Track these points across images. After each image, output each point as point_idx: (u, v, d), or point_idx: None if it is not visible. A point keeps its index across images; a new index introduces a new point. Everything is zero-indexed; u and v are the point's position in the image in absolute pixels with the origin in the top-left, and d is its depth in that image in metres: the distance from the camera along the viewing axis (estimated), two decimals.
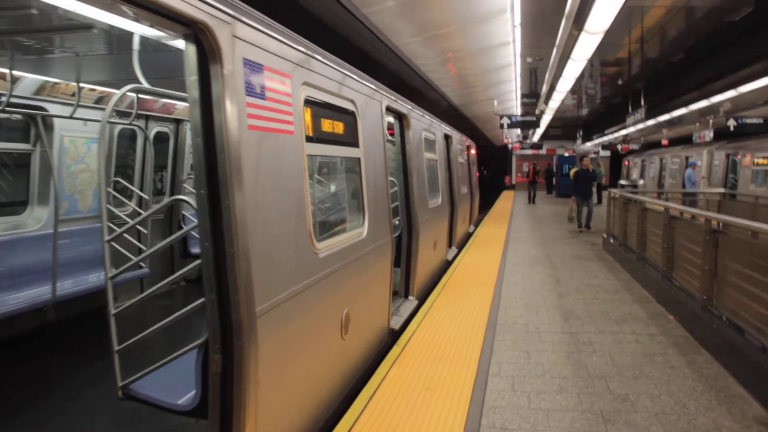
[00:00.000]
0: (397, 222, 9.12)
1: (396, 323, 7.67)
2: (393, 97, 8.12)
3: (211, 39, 3.40)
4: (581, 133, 38.62)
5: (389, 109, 7.94)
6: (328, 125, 5.31)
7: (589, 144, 39.80)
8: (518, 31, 10.35)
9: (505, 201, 34.32)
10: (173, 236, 4.68)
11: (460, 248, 15.12)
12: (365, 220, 6.23)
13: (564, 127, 39.84)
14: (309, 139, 4.73)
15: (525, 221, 22.09)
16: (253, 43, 3.83)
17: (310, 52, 4.84)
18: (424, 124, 10.52)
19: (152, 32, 4.58)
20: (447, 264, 12.73)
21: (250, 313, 3.57)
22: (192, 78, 3.49)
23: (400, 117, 8.95)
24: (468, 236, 17.79)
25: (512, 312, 8.36)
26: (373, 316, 6.63)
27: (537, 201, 33.12)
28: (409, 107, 9.25)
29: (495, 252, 14.09)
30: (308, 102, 4.78)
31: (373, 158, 6.63)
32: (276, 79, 4.14)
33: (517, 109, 23.20)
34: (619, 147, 39.95)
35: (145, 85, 6.22)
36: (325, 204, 7.92)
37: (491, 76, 15.39)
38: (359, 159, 6.19)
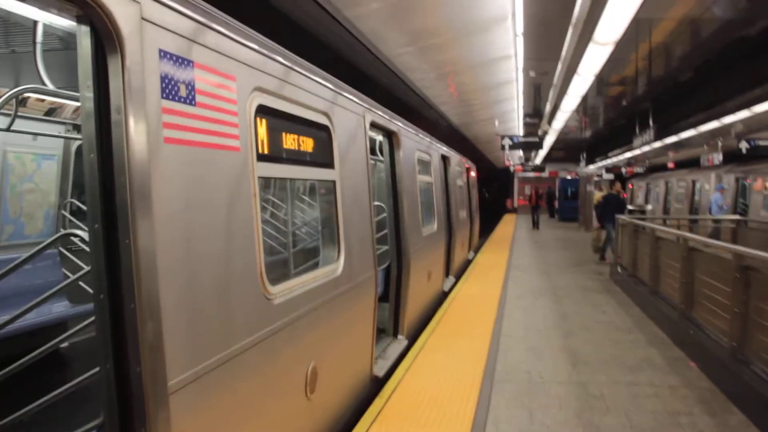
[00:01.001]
0: (384, 250, 8.26)
1: (381, 369, 6.74)
2: (380, 113, 7.23)
3: (106, 20, 2.51)
4: (584, 155, 37.83)
5: (375, 126, 7.06)
6: (291, 141, 4.42)
7: (592, 167, 39.04)
8: (520, 41, 9.50)
9: (507, 225, 33.42)
10: (52, 290, 3.75)
11: (458, 277, 14.20)
12: (340, 253, 5.33)
13: (567, 149, 38.99)
14: (262, 158, 3.85)
15: (527, 247, 21.16)
16: (175, 31, 2.94)
17: (265, 51, 3.95)
18: (417, 144, 9.63)
19: (46, 17, 3.71)
20: (443, 296, 11.80)
21: (158, 388, 2.66)
22: (84, 73, 2.62)
23: (390, 135, 8.06)
24: (467, 263, 16.86)
25: (513, 355, 7.41)
26: (351, 366, 5.71)
27: (540, 225, 32.16)
28: (400, 124, 8.37)
29: (495, 282, 13.15)
30: (262, 112, 3.89)
31: (352, 181, 5.74)
32: (212, 81, 3.26)
33: (519, 130, 22.42)
34: (623, 170, 39.20)
35: (49, 86, 5.35)
36: (287, 237, 7.03)
37: (492, 93, 14.63)
38: (334, 182, 5.29)
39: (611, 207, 16.71)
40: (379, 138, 8.44)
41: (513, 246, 21.27)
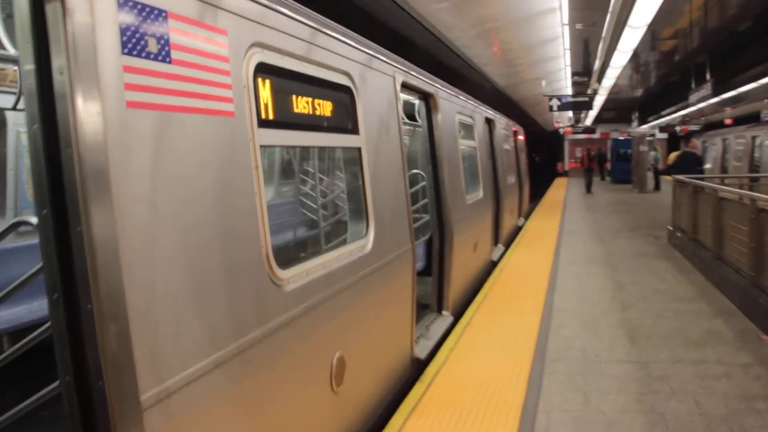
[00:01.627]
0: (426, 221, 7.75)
1: (423, 350, 6.27)
2: (413, 72, 6.66)
3: None
4: (636, 114, 36.57)
5: (408, 87, 6.50)
6: (303, 105, 3.91)
7: (645, 126, 37.82)
8: None
9: (558, 189, 32.50)
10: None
11: (508, 245, 13.61)
12: (369, 228, 4.83)
13: (617, 110, 37.79)
14: (265, 124, 3.36)
15: (579, 211, 20.37)
16: None
17: (264, 1, 3.44)
18: (458, 106, 9.03)
19: None
20: (492, 265, 11.25)
21: (127, 405, 2.21)
22: (22, 26, 2.16)
23: (426, 97, 7.49)
24: (517, 230, 16.23)
25: (566, 331, 6.86)
26: (386, 350, 5.25)
27: (592, 188, 31.13)
28: (437, 86, 7.78)
29: (546, 249, 12.52)
30: (265, 71, 3.40)
31: (381, 148, 5.24)
32: (194, 35, 2.77)
33: (567, 89, 21.52)
34: (677, 129, 37.89)
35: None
36: (308, 213, 6.54)
37: (537, 52, 13.89)
38: (359, 149, 4.79)
39: (688, 165, 15.70)
40: (417, 102, 7.88)
41: (564, 211, 20.50)
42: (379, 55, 5.44)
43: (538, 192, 30.48)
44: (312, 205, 8.59)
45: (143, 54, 2.45)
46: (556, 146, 49.18)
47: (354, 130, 4.71)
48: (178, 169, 2.60)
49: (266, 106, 3.41)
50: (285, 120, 3.66)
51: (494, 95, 20.16)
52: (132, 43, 2.39)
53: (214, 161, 2.85)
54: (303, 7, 3.99)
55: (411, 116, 8.85)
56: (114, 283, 2.19)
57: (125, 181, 2.29)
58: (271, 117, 3.46)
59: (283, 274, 3.38)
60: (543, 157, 48.98)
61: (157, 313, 2.41)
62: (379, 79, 5.38)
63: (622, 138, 38.87)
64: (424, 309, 7.66)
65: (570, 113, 34.84)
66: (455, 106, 8.81)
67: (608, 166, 39.06)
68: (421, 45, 10.54)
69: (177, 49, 2.65)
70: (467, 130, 9.93)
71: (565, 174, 46.59)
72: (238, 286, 2.96)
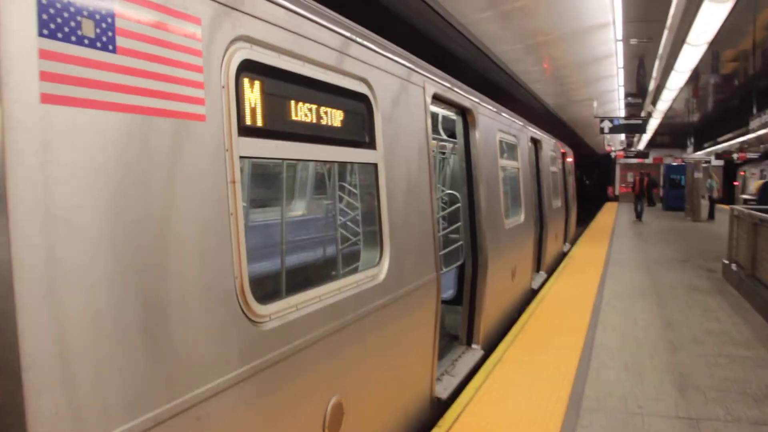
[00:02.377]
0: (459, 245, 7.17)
1: (445, 389, 5.70)
2: (447, 84, 6.10)
3: None
4: (692, 140, 35.49)
5: (441, 99, 5.95)
6: (305, 113, 3.38)
7: (700, 153, 36.73)
8: (618, 3, 8.13)
9: (607, 214, 31.51)
10: None
11: (551, 272, 12.92)
12: (384, 254, 4.28)
13: (672, 134, 36.84)
14: (249, 132, 2.84)
15: (628, 239, 19.48)
16: None
17: None
18: (500, 124, 8.44)
19: None
20: (532, 294, 10.59)
21: None
22: None
23: (464, 112, 6.93)
24: (562, 256, 15.50)
25: (606, 374, 6.19)
26: (400, 392, 4.68)
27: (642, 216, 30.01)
28: (476, 100, 7.20)
29: (591, 279, 11.79)
30: (251, 71, 2.88)
31: (403, 165, 4.69)
32: (153, 21, 2.28)
33: (620, 111, 20.76)
34: (735, 156, 36.68)
35: None
36: (300, 234, 5.98)
37: (589, 70, 13.26)
38: (375, 166, 4.24)
39: None
40: (452, 116, 7.32)
41: (613, 237, 19.65)
42: (405, 62, 4.90)
43: (586, 216, 29.59)
44: (316, 226, 8.01)
45: (72, 38, 1.96)
46: (607, 170, 48.26)
47: (370, 144, 4.18)
48: (113, 179, 2.09)
49: (252, 111, 2.89)
50: (277, 129, 3.13)
51: (543, 115, 19.52)
52: (56, 23, 1.91)
53: (170, 173, 2.33)
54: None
55: (452, 135, 8.28)
56: (5, 329, 1.69)
57: (31, 194, 1.79)
58: (258, 124, 2.94)
59: (263, 309, 2.85)
60: (593, 181, 48.03)
61: (66, 362, 1.90)
62: (404, 88, 4.84)
63: (675, 164, 37.87)
64: (453, 340, 7.10)
65: (622, 136, 33.92)
66: (497, 124, 8.22)
67: (658, 192, 37.97)
68: (463, 57, 10.00)
69: (125, 36, 2.15)
70: (510, 149, 9.33)
71: (615, 199, 45.62)
72: (194, 325, 2.43)
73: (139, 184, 2.19)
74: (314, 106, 3.45)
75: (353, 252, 5.25)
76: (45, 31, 1.87)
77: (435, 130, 7.42)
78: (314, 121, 3.46)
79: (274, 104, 3.10)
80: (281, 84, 3.17)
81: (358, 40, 4.03)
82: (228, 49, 2.70)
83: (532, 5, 8.10)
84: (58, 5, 1.90)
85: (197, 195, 2.46)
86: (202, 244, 2.47)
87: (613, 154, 44.53)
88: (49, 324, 1.85)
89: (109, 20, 2.09)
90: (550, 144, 14.05)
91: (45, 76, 1.86)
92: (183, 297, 2.37)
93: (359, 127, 4.08)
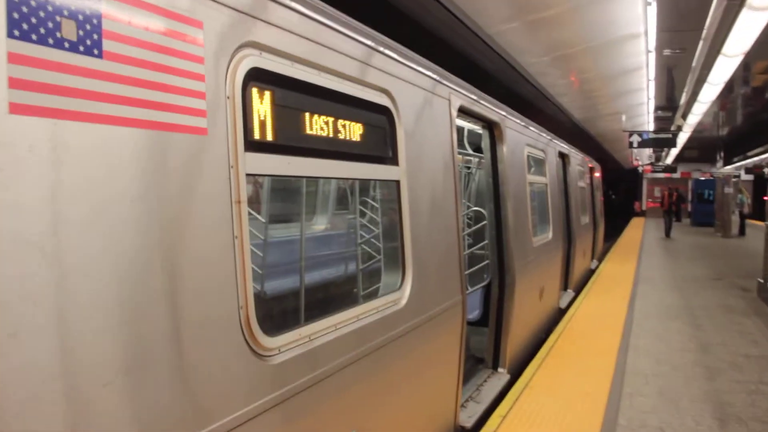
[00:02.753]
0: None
1: (470, 417, 5.42)
2: (473, 96, 5.84)
3: None
4: (722, 154, 34.88)
5: (467, 113, 5.69)
6: (321, 126, 3.13)
7: (729, 167, 36.13)
8: (653, 12, 7.82)
9: (635, 229, 30.99)
10: None
11: (578, 290, 12.57)
12: (406, 277, 4.02)
13: (701, 148, 36.16)
14: (258, 147, 2.60)
15: (657, 256, 19.03)
16: None
17: None
18: (527, 138, 8.15)
19: None
20: (559, 313, 10.25)
21: None
22: None
23: (491, 126, 6.66)
24: (589, 273, 15.12)
25: (640, 403, 5.85)
26: (422, 422, 4.39)
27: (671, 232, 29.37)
28: (504, 113, 6.93)
29: (620, 298, 11.40)
30: (260, 80, 2.64)
31: (428, 182, 4.43)
32: (146, 24, 2.05)
33: (648, 125, 20.35)
34: (765, 170, 36.01)
35: None
36: (319, 258, 5.71)
37: (618, 83, 12.89)
38: (398, 182, 3.98)
39: None
40: (478, 129, 7.05)
41: (641, 254, 19.21)
42: (430, 73, 4.65)
43: (613, 232, 29.12)
44: (331, 248, 7.66)
45: (50, 41, 1.73)
46: (633, 184, 47.69)
47: (392, 160, 3.92)
48: (97, 200, 1.86)
49: (261, 124, 2.65)
50: (290, 143, 2.88)
51: (570, 128, 19.19)
52: (29, 23, 1.67)
53: (163, 193, 2.09)
54: (322, 3, 3.22)
55: (478, 149, 7.99)
56: None
57: None
58: (268, 138, 2.69)
59: (271, 341, 2.60)
60: (619, 196, 47.48)
61: (36, 413, 1.66)
62: (429, 100, 4.58)
63: (704, 178, 37.28)
64: (478, 363, 6.80)
65: (650, 150, 33.41)
66: (524, 138, 7.94)
67: (686, 207, 37.40)
68: (489, 69, 9.74)
69: (113, 39, 1.93)
70: (538, 164, 9.05)
71: (642, 214, 45.06)
72: (191, 363, 2.17)
73: (128, 206, 1.95)
74: (331, 119, 3.20)
75: (372, 274, 4.96)
76: (16, 32, 1.64)
77: (460, 144, 7.13)
78: (331, 135, 3.21)
79: (287, 117, 2.86)
80: (294, 95, 2.93)
81: (380, 48, 3.79)
82: (234, 56, 2.46)
83: (560, 15, 7.82)
84: (33, 3, 1.68)
85: (196, 217, 2.22)
86: (201, 273, 2.23)
87: (640, 169, 43.96)
88: (18, 367, 1.62)
89: (95, 21, 1.87)
90: (577, 158, 13.74)
91: (15, 83, 1.63)
92: (177, 332, 2.12)
93: (380, 141, 3.83)
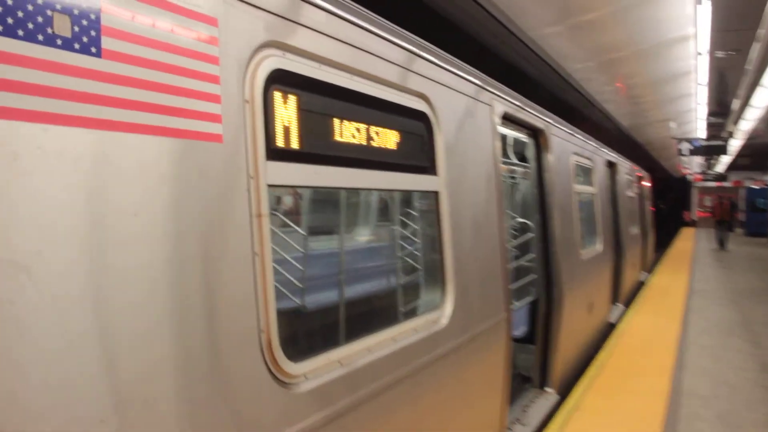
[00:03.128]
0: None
1: None
2: (518, 103, 5.57)
3: None
4: None
5: (511, 120, 5.42)
6: (352, 133, 2.89)
7: None
8: (704, 12, 7.45)
9: (685, 240, 30.18)
10: None
11: (628, 303, 12.14)
12: (447, 295, 3.76)
13: (753, 156, 35.19)
14: (281, 155, 2.37)
15: (709, 267, 18.40)
16: None
17: None
18: (574, 146, 7.85)
19: None
20: (609, 328, 9.86)
21: None
22: None
23: (536, 133, 6.38)
24: (639, 285, 14.66)
25: (699, 428, 5.48)
26: None
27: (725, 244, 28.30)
28: (549, 120, 6.64)
29: (673, 312, 10.93)
30: (284, 83, 2.42)
31: (469, 193, 4.17)
32: (152, 19, 1.86)
33: (700, 132, 19.79)
34: None
35: None
36: (349, 275, 5.42)
37: (667, 88, 12.49)
38: (437, 194, 3.73)
39: None
40: (523, 137, 6.78)
41: (693, 265, 18.61)
42: (471, 77, 4.39)
43: (663, 243, 28.42)
44: (364, 264, 7.33)
45: (39, 37, 1.53)
46: (682, 194, 46.71)
47: (430, 170, 3.67)
48: (95, 215, 1.65)
49: (285, 130, 2.42)
50: (317, 151, 2.65)
51: (616, 136, 18.75)
52: (14, 17, 1.48)
53: (172, 206, 1.87)
54: (353, 3, 2.99)
55: (523, 158, 7.70)
56: None
57: None
58: (293, 146, 2.47)
59: (296, 368, 2.36)
60: (668, 205, 46.55)
61: None
62: (470, 106, 4.32)
63: (757, 187, 36.30)
64: (525, 382, 6.50)
65: (700, 158, 32.63)
66: (571, 146, 7.64)
67: (738, 216, 36.45)
68: (533, 75, 9.45)
69: (114, 37, 1.72)
70: (585, 173, 8.73)
71: (693, 224, 44.05)
72: (205, 394, 1.95)
73: (131, 221, 1.74)
74: (363, 125, 2.96)
75: (411, 290, 4.70)
76: None
77: (504, 152, 6.86)
78: (363, 142, 2.97)
79: (314, 122, 2.62)
80: (323, 99, 2.70)
81: (417, 51, 3.55)
82: (254, 56, 2.24)
83: (604, 18, 7.52)
84: None
85: (208, 234, 1.99)
86: (215, 295, 2.00)
87: (689, 177, 43.03)
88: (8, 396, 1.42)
89: (92, 17, 1.66)
90: (626, 167, 13.35)
91: None
92: (187, 361, 1.89)
93: (417, 149, 3.58)
